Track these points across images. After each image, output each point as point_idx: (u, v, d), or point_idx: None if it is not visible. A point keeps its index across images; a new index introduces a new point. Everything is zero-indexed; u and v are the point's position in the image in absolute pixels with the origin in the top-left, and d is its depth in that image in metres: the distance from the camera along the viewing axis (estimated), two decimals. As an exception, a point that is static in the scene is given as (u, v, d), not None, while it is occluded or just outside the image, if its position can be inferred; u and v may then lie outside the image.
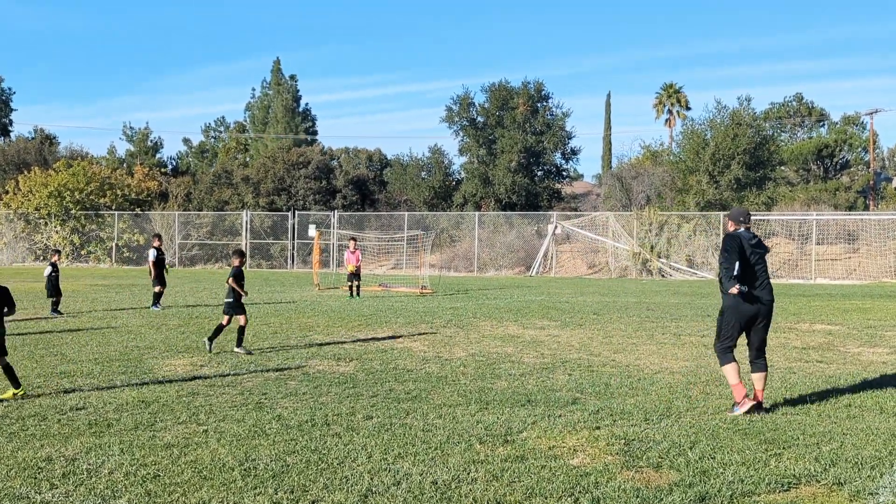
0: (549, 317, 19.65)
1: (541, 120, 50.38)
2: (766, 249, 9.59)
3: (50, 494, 6.13)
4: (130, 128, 73.72)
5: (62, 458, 7.09)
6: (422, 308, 21.78)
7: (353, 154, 69.28)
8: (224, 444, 7.68)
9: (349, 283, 25.99)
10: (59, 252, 21.50)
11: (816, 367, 12.60)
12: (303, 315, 19.73)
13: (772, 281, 10.27)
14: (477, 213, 46.62)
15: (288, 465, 6.97)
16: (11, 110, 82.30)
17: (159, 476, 6.62)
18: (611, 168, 63.28)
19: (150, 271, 21.45)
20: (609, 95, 69.58)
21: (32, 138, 67.85)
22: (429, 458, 7.26)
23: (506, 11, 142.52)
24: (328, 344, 14.73)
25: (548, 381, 11.27)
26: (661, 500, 6.20)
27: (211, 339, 13.65)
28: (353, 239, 27.76)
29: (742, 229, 9.42)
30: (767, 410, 9.35)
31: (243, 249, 14.73)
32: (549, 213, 45.35)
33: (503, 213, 47.14)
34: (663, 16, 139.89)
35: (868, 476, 6.85)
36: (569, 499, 6.22)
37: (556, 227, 42.89)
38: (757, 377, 9.44)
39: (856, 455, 7.50)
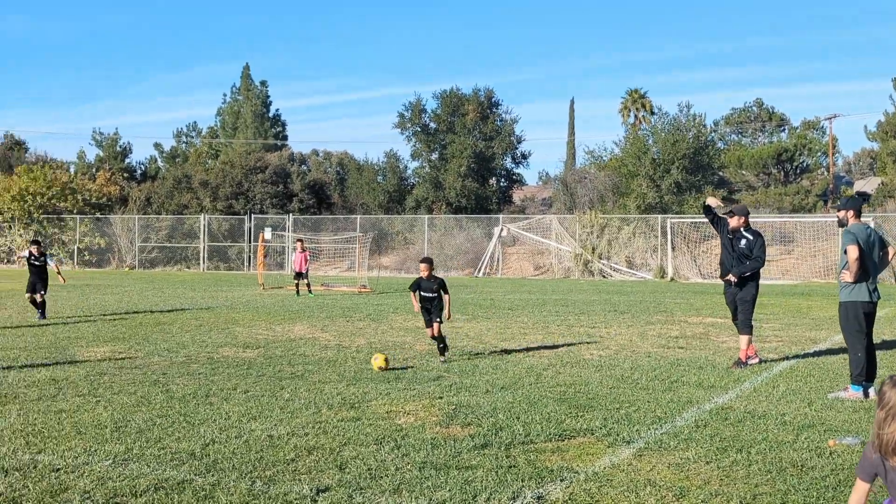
0: (462, 311, 21.07)
1: (490, 126, 51.95)
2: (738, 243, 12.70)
3: (-55, 443, 7.47)
4: (100, 133, 74.60)
5: (-35, 420, 8.41)
6: (349, 304, 23.16)
7: (325, 156, 70.36)
8: (109, 410, 9.02)
9: (295, 282, 27.53)
10: (37, 243, 20.53)
11: (674, 352, 14.05)
12: (233, 311, 21.06)
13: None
14: (427, 216, 48.10)
15: (155, 425, 8.33)
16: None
17: (43, 432, 7.97)
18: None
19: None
20: (572, 101, 71.23)
21: (1, 144, 68.44)
22: (277, 419, 8.63)
23: (465, 17, 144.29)
24: (244, 335, 16.05)
25: (425, 363, 12.66)
26: (449, 445, 7.60)
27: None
28: (300, 240, 29.27)
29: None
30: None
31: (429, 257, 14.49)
32: (497, 216, 46.88)
33: (453, 216, 48.64)
34: (628, 21, 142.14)
35: (635, 430, 8.30)
36: (374, 445, 7.62)
37: (501, 229, 44.42)
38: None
39: (641, 417, 8.94)
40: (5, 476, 6.52)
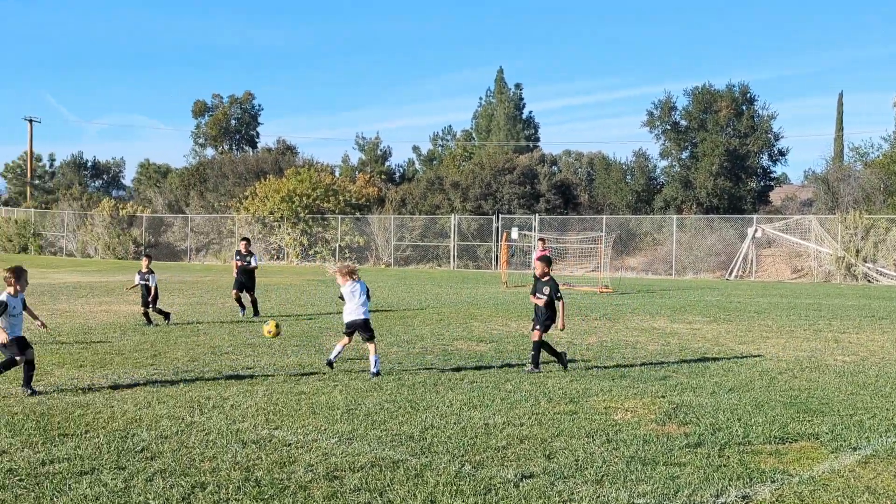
0: (705, 314, 20.51)
1: (745, 122, 49.94)
2: None
3: (198, 416, 8.36)
4: (362, 138, 78.95)
5: (218, 397, 9.34)
6: (588, 304, 23.16)
7: (576, 157, 70.67)
8: (344, 393, 9.67)
9: None
10: (246, 240, 20.08)
11: (930, 360, 13.03)
12: (473, 307, 21.67)
13: None
14: (676, 216, 46.99)
15: (382, 409, 8.85)
16: (259, 124, 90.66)
17: (282, 410, 8.70)
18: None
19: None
20: (841, 95, 66.68)
21: (275, 149, 73.86)
22: (496, 409, 8.91)
23: (725, 12, 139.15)
24: (480, 329, 16.53)
25: (654, 362, 12.53)
26: (662, 441, 7.56)
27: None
28: (542, 240, 29.63)
29: None
30: None
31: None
32: (751, 216, 45.01)
33: (704, 216, 47.20)
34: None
35: (865, 437, 7.85)
36: (586, 438, 7.71)
37: (755, 230, 42.62)
38: None
39: (876, 424, 8.44)
40: (243, 447, 7.21)
